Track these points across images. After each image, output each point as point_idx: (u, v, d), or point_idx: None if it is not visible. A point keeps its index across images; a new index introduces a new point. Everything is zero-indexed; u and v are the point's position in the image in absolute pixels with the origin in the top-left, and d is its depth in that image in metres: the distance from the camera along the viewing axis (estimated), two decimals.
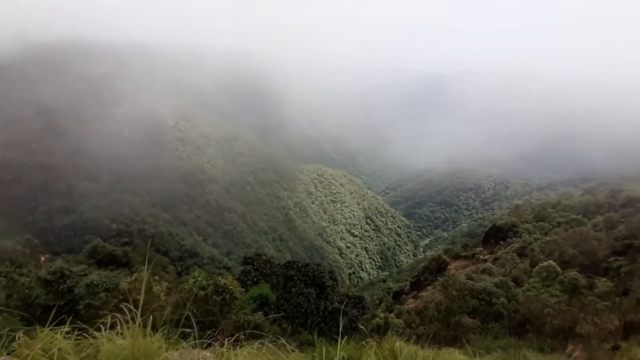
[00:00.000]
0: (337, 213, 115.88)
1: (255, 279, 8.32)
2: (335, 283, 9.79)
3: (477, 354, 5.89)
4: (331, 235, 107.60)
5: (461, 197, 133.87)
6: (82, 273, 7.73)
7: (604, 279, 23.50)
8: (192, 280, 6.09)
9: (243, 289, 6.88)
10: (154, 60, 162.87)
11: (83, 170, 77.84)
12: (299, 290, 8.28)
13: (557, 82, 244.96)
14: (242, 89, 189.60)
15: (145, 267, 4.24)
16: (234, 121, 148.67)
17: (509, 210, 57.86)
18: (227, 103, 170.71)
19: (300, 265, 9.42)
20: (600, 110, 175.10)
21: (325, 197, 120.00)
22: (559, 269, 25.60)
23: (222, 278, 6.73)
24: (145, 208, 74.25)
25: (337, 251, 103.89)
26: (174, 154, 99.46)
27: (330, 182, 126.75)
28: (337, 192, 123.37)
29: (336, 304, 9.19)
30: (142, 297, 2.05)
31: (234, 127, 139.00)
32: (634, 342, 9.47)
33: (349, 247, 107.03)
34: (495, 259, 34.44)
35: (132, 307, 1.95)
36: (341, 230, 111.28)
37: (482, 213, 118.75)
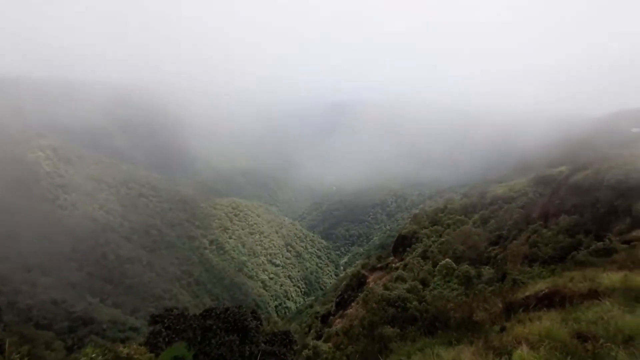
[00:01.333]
0: (257, 245, 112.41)
1: (167, 339, 7.50)
2: (259, 323, 9.49)
3: None
4: (253, 269, 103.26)
5: (370, 213, 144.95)
6: None
7: (487, 267, 28.00)
8: (84, 358, 4.94)
9: (153, 354, 6.11)
10: (21, 95, 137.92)
11: None
12: (220, 341, 7.79)
13: (439, 107, 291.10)
14: (141, 126, 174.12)
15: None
16: (133, 160, 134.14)
17: (409, 219, 64.59)
18: (122, 141, 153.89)
19: (219, 312, 8.91)
20: (469, 129, 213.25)
21: (243, 230, 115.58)
22: (454, 264, 29.58)
23: (125, 347, 5.80)
24: (17, 275, 59.80)
25: (261, 284, 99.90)
26: (53, 204, 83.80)
27: (246, 214, 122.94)
28: (255, 223, 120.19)
29: (262, 345, 8.90)
30: None
31: (133, 166, 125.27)
32: (515, 321, 11.49)
33: (272, 278, 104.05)
34: (405, 265, 37.86)
35: None
36: (262, 262, 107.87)
37: (389, 225, 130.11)
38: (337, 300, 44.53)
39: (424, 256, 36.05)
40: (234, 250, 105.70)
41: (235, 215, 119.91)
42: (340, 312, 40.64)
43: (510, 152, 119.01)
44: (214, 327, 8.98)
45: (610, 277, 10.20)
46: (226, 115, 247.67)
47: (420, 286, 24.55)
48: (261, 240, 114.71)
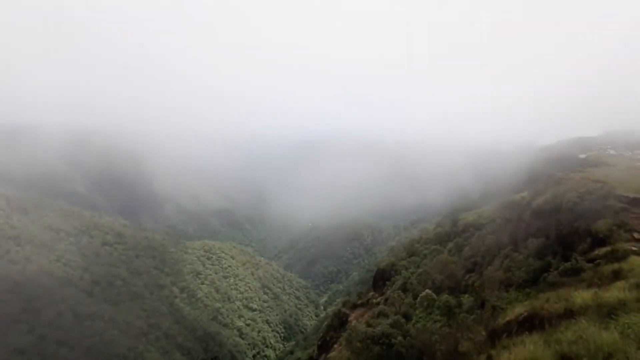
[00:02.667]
0: (232, 289, 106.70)
1: None
2: None
3: None
4: (227, 316, 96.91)
5: (347, 248, 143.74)
6: None
7: (466, 295, 28.15)
8: None
9: None
10: None
11: None
12: None
13: (406, 143, 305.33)
14: (104, 171, 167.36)
15: None
16: (96, 206, 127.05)
17: (387, 252, 64.79)
18: (84, 187, 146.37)
19: None
20: (435, 160, 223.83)
21: (216, 273, 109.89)
22: (434, 295, 29.47)
23: None
24: None
25: (237, 332, 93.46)
26: (2, 259, 76.21)
27: (219, 257, 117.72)
28: (229, 266, 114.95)
29: None
30: None
31: (96, 213, 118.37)
32: (500, 347, 11.48)
33: (249, 325, 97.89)
34: (386, 300, 37.22)
35: None
36: (238, 308, 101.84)
37: (367, 259, 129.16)
38: (319, 343, 42.46)
39: (404, 288, 35.76)
40: (207, 297, 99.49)
41: (208, 258, 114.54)
42: (323, 355, 38.59)
43: (476, 181, 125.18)
44: None
45: (582, 296, 10.59)
46: (195, 155, 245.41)
47: (403, 320, 24.08)
48: (236, 284, 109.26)
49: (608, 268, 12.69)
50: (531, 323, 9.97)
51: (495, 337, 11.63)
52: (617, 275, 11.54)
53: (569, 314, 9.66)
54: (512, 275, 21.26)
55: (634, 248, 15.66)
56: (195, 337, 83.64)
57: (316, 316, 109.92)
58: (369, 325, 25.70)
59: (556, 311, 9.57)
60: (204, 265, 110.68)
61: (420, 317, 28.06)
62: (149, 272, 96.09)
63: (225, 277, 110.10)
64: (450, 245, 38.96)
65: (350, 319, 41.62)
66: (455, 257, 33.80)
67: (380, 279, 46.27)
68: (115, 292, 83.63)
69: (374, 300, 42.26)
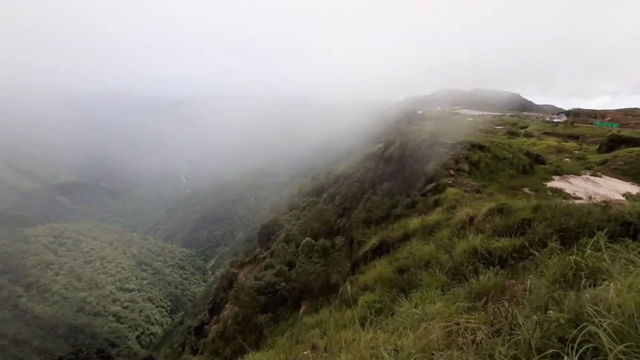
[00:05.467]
0: (99, 273, 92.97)
1: None
2: None
3: (274, 342, 7.01)
4: (98, 304, 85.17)
5: (231, 210, 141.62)
6: None
7: (339, 236, 32.38)
8: None
9: None
10: None
11: None
12: None
13: (283, 99, 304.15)
14: None
15: None
16: None
17: (270, 209, 66.94)
18: None
19: None
20: (291, 117, 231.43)
21: (75, 260, 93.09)
22: (313, 241, 32.78)
23: None
24: None
25: (113, 318, 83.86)
26: None
27: (77, 240, 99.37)
28: (92, 249, 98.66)
29: None
30: None
31: None
32: (358, 273, 14.04)
33: (127, 307, 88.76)
34: (272, 253, 39.41)
35: None
36: (110, 292, 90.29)
37: (251, 219, 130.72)
38: (210, 306, 42.47)
39: (288, 240, 38.34)
40: (67, 289, 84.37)
41: (61, 244, 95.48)
42: (215, 317, 38.96)
43: (346, 134, 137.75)
44: None
45: (414, 222, 13.58)
46: (24, 115, 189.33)
47: (287, 268, 26.21)
48: (104, 267, 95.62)
49: (432, 199, 16.55)
50: (381, 249, 12.50)
51: (356, 266, 14.09)
52: (437, 203, 15.26)
53: (406, 237, 12.42)
54: (372, 215, 25.37)
55: (449, 182, 20.70)
56: (57, 336, 71.43)
57: (204, 282, 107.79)
58: (256, 279, 27.00)
59: (397, 237, 12.21)
60: (55, 253, 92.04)
61: (302, 263, 31.00)
62: None
63: (88, 262, 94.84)
64: (324, 195, 43.04)
65: (239, 277, 42.61)
66: (329, 205, 37.78)
67: (265, 235, 48.10)
68: None
69: (261, 256, 44.09)
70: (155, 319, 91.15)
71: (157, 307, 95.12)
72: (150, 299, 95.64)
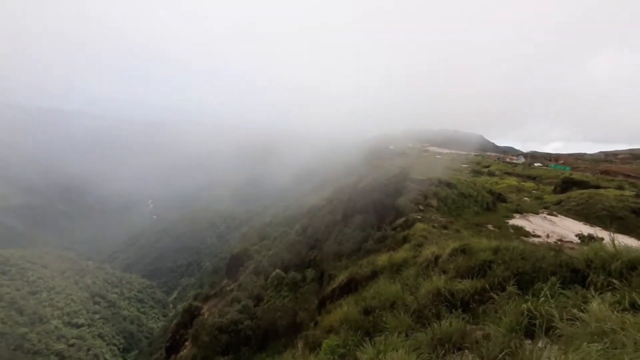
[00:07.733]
0: (44, 306, 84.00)
1: None
2: None
3: None
4: (40, 341, 76.08)
5: (199, 238, 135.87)
6: None
7: (310, 269, 31.63)
8: None
9: None
10: None
11: None
12: None
13: (255, 130, 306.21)
14: None
15: None
16: None
17: (240, 238, 65.03)
18: None
19: None
20: (264, 147, 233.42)
21: (18, 290, 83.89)
22: (283, 273, 31.77)
23: None
24: None
25: (56, 358, 74.97)
26: None
27: (23, 268, 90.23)
28: (39, 278, 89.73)
29: None
30: None
31: None
32: (325, 313, 13.59)
33: (73, 345, 79.93)
34: (240, 285, 37.65)
35: None
36: (56, 327, 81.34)
37: (220, 248, 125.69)
38: (168, 344, 39.17)
39: (257, 272, 36.91)
40: (5, 323, 75.22)
41: (4, 272, 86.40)
42: (173, 356, 35.88)
43: (319, 166, 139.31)
44: None
45: (382, 258, 13.56)
46: None
47: (252, 303, 25.03)
48: (51, 299, 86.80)
49: (401, 234, 16.76)
50: (349, 287, 12.29)
51: (323, 303, 13.70)
52: (405, 239, 15.46)
53: (374, 274, 12.34)
54: (343, 247, 25.18)
55: (418, 217, 21.18)
56: None
57: (164, 317, 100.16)
58: (221, 315, 25.46)
59: (365, 274, 12.11)
60: None
61: (271, 297, 29.74)
62: None
63: (34, 293, 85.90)
64: (297, 226, 42.49)
65: (203, 311, 40.05)
66: (301, 236, 37.22)
67: (234, 265, 46.21)
68: None
69: (228, 288, 41.98)
70: (105, 359, 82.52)
71: (108, 344, 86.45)
72: (100, 336, 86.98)
